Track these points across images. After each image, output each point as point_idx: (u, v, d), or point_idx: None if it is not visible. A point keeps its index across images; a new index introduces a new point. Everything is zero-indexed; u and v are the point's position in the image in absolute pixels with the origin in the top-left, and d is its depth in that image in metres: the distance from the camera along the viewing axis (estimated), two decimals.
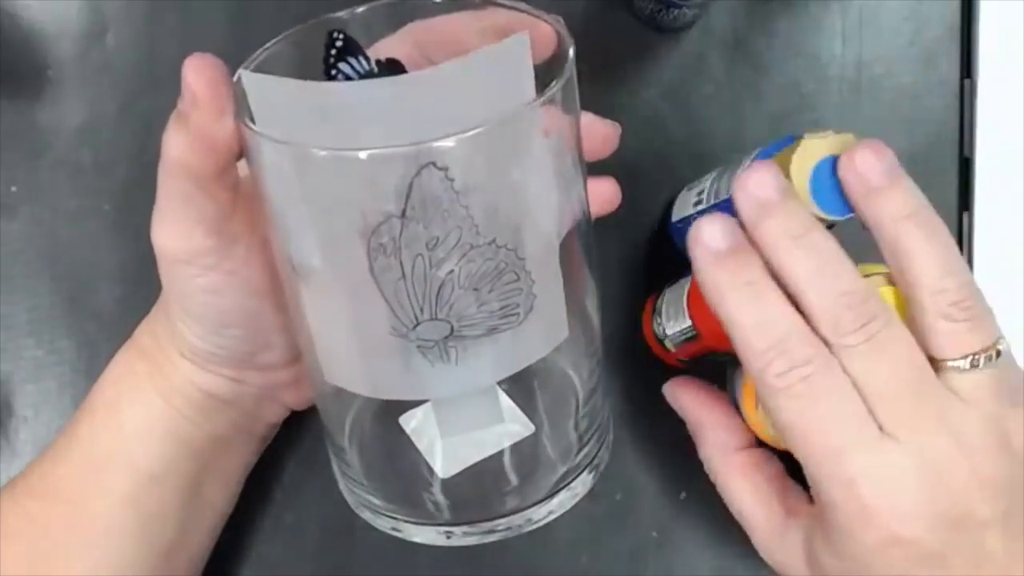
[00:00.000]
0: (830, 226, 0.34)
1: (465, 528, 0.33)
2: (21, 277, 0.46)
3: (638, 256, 0.46)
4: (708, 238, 0.32)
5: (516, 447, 0.33)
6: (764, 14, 0.46)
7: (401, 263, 0.27)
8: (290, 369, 0.38)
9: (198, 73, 0.29)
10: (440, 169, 0.26)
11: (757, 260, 0.31)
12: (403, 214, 0.26)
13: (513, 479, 0.34)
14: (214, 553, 0.41)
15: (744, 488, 0.36)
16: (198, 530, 0.39)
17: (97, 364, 0.45)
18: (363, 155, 0.25)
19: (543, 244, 0.29)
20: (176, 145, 0.30)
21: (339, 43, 0.30)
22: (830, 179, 0.33)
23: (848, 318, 0.30)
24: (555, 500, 0.33)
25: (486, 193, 0.27)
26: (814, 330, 0.31)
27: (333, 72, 0.31)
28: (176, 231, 0.32)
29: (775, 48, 0.46)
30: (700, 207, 0.40)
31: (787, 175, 0.34)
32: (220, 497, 0.40)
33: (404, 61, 0.32)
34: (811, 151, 0.34)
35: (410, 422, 0.33)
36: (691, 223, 0.34)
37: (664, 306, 0.41)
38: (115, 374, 0.38)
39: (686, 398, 0.39)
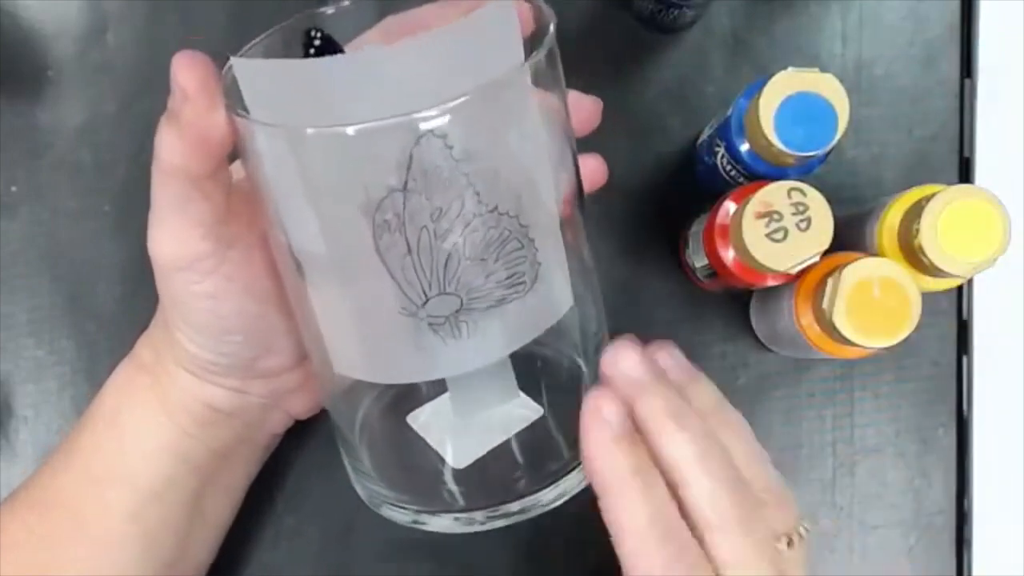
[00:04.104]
0: (799, 161, 0.36)
1: (485, 513, 0.33)
2: (21, 277, 0.46)
3: (640, 249, 0.46)
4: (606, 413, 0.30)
5: (526, 430, 0.33)
6: (764, 14, 0.46)
7: (406, 238, 0.27)
8: (294, 374, 0.37)
9: (187, 70, 0.29)
10: (439, 137, 0.26)
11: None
12: (405, 187, 0.26)
13: (524, 462, 0.34)
14: (215, 557, 0.41)
15: None
16: (200, 542, 0.39)
17: (97, 364, 0.45)
18: (361, 129, 0.25)
19: (544, 211, 0.29)
20: (169, 144, 0.30)
21: (317, 41, 0.30)
22: (794, 115, 0.35)
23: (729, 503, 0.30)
24: (566, 481, 0.33)
25: (485, 159, 0.27)
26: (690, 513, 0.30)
27: None
28: (173, 236, 0.32)
29: (775, 48, 0.46)
30: (710, 130, 0.43)
31: (756, 110, 0.36)
32: (222, 510, 0.40)
33: None
34: (780, 86, 0.36)
35: (418, 418, 0.33)
36: (708, 140, 0.40)
37: (691, 241, 0.42)
38: (116, 388, 0.38)
39: None
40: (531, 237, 0.29)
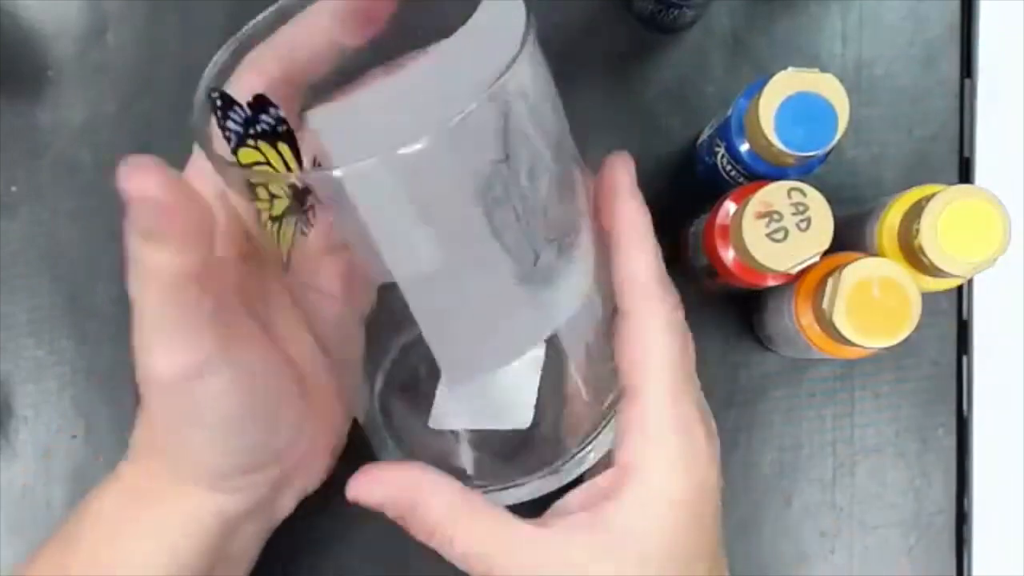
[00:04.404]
0: (799, 161, 0.37)
1: (527, 484, 0.33)
2: (21, 277, 0.46)
3: None
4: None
5: (553, 397, 0.33)
6: (764, 14, 0.46)
7: (514, 206, 0.27)
8: (300, 443, 0.35)
9: (143, 177, 0.26)
10: (522, 96, 0.26)
11: None
12: (507, 156, 0.26)
13: (555, 429, 0.34)
14: None
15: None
16: None
17: (97, 364, 0.45)
18: (464, 117, 0.25)
19: (568, 140, 0.31)
20: (157, 258, 0.27)
21: (219, 102, 0.30)
22: (794, 115, 0.36)
23: None
24: (599, 440, 0.34)
25: (542, 105, 0.28)
26: None
27: (226, 133, 0.30)
28: (183, 347, 0.29)
29: (775, 48, 0.46)
30: (710, 130, 0.43)
31: (756, 110, 0.36)
32: None
33: (265, 90, 0.31)
34: (780, 87, 0.36)
35: (444, 421, 0.33)
36: (708, 140, 0.41)
37: (691, 241, 0.43)
38: (104, 521, 0.34)
39: (386, 488, 0.33)
40: (574, 165, 0.30)
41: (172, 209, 0.26)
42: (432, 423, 0.33)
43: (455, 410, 0.33)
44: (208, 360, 0.29)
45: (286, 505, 0.37)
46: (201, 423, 0.31)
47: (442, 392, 0.32)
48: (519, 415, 0.32)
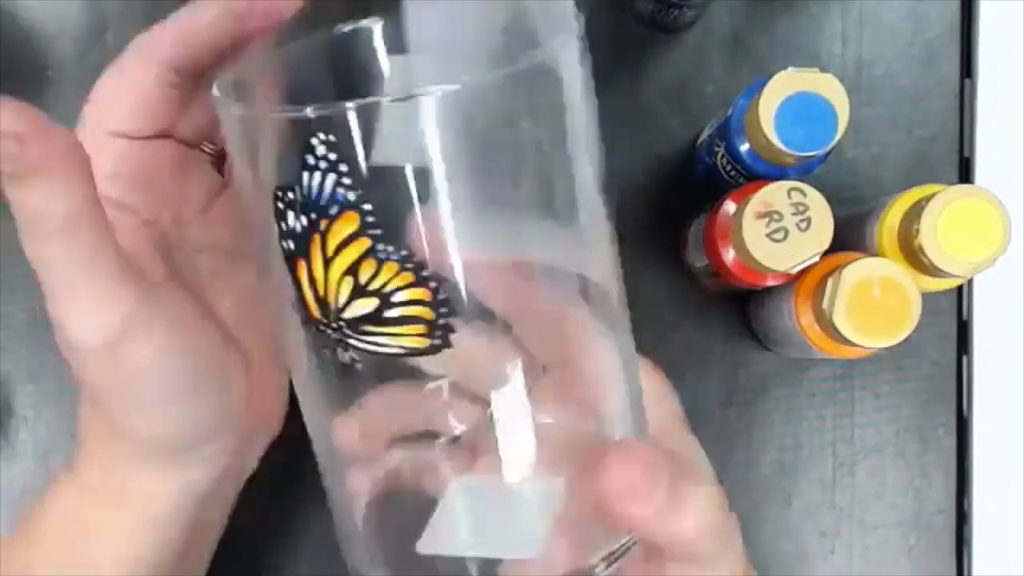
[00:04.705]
0: (799, 161, 0.37)
1: None
2: (21, 277, 0.46)
3: (640, 249, 0.46)
4: None
5: None
6: (764, 14, 0.46)
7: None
8: (252, 405, 0.33)
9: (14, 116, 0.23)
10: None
11: None
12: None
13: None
14: None
15: None
16: None
17: None
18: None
19: None
20: (37, 197, 0.24)
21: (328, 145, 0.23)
22: (794, 115, 0.36)
23: None
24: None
25: None
26: None
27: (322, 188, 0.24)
28: (90, 303, 0.26)
29: (775, 48, 0.46)
30: (710, 129, 0.43)
31: (756, 110, 0.36)
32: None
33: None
34: (780, 87, 0.36)
35: (438, 545, 0.26)
36: (708, 140, 0.41)
37: (691, 241, 0.43)
38: (67, 523, 0.32)
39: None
40: None
41: (34, 139, 0.24)
42: (421, 546, 0.25)
43: (454, 531, 0.26)
44: (131, 316, 0.27)
45: (254, 456, 0.36)
46: (141, 393, 0.29)
47: (442, 510, 0.26)
48: (524, 542, 0.26)
